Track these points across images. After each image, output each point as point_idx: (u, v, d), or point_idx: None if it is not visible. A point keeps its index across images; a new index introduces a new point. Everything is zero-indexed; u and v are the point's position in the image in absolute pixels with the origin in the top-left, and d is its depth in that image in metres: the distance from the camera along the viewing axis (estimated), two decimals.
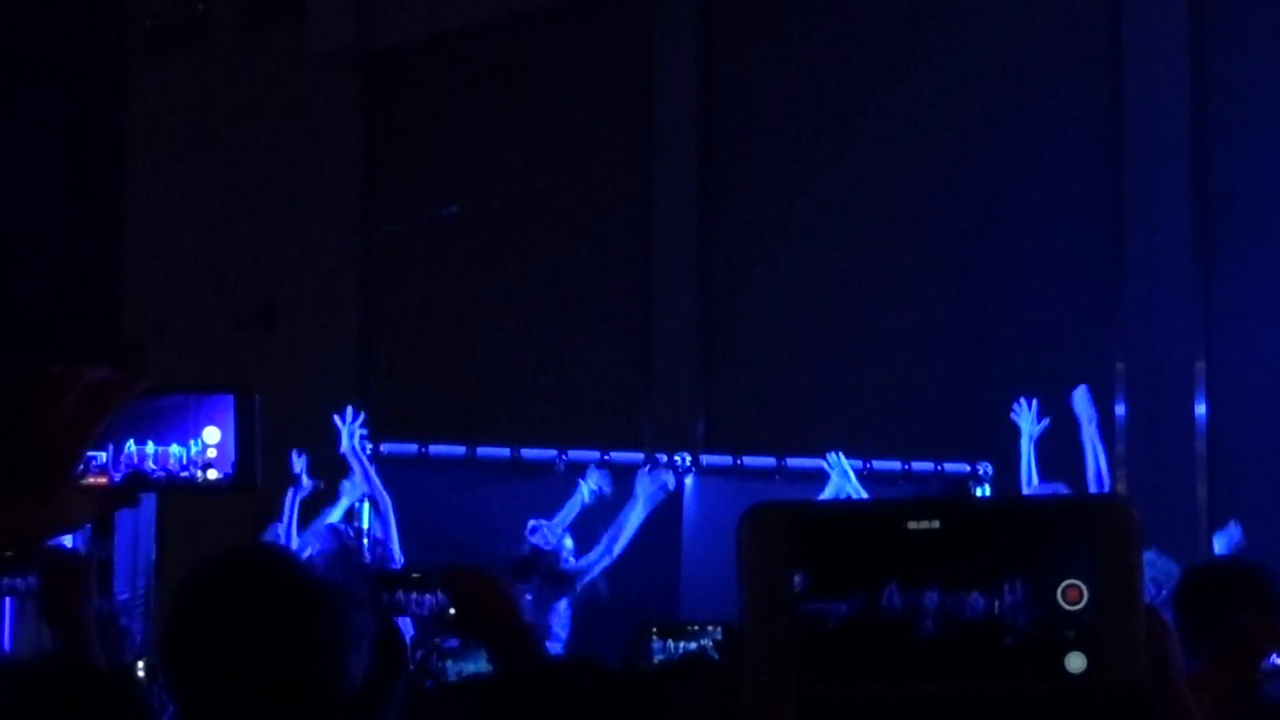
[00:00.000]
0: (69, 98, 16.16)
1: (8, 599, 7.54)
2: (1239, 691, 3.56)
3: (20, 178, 14.96)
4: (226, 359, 14.66)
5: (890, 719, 0.99)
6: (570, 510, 8.92)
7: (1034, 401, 9.00)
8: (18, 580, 6.46)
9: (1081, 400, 8.83)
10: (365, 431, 8.89)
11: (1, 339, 13.35)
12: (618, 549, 8.81)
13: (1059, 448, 8.98)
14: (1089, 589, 0.95)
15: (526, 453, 9.66)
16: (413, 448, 9.61)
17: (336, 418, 8.83)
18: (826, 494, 9.30)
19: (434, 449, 10.01)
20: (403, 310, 14.79)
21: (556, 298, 13.78)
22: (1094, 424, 8.73)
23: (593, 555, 8.77)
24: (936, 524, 0.97)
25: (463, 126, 14.52)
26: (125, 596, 9.82)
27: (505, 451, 9.70)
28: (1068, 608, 0.95)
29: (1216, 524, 11.16)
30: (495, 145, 14.31)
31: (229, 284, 15.33)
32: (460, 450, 10.17)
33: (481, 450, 10.08)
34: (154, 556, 10.12)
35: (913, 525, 0.98)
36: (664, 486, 9.15)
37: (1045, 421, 8.93)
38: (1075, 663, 0.95)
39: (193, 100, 15.92)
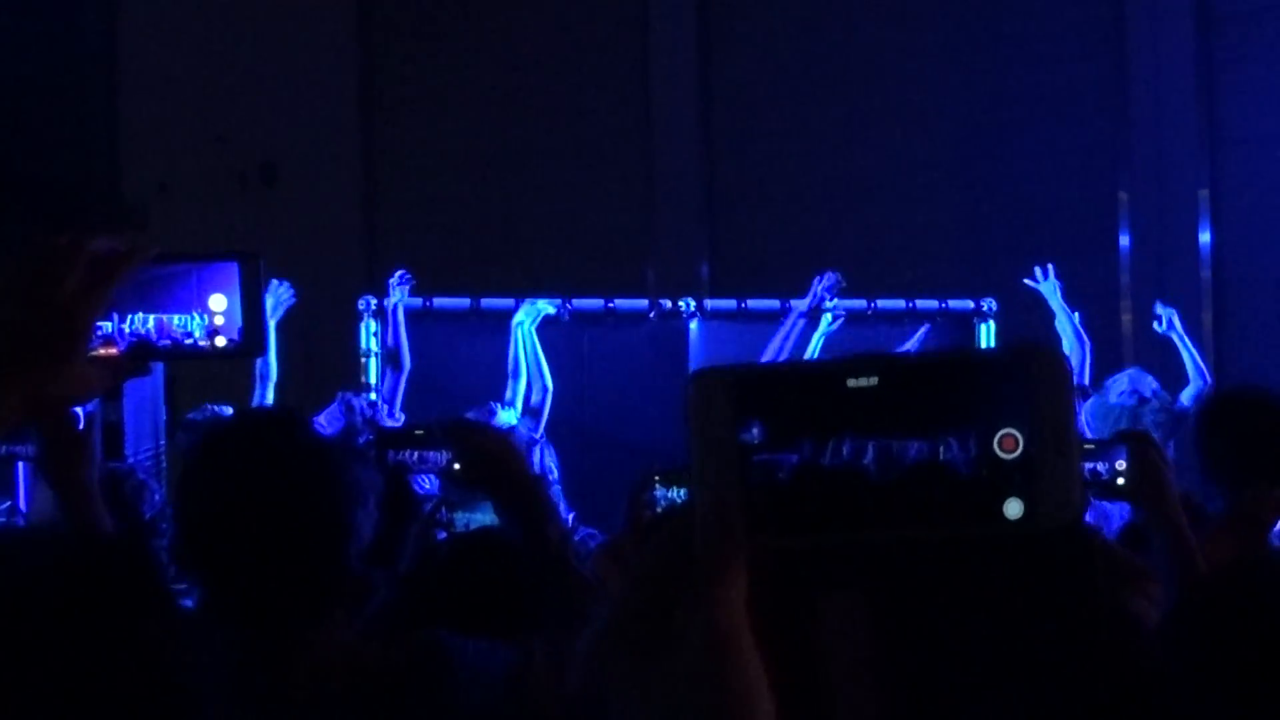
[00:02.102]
0: None
1: (21, 465, 7.57)
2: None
3: (15, 42, 14.84)
4: (229, 218, 14.62)
5: (837, 567, 1.03)
6: (529, 353, 8.96)
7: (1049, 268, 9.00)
8: (29, 446, 6.48)
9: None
10: (408, 288, 9.11)
11: (2, 205, 13.31)
12: (549, 381, 8.88)
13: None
14: (1024, 436, 0.98)
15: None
16: (417, 301, 9.60)
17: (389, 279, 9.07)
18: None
19: (438, 301, 10.03)
20: (405, 163, 14.74)
21: (558, 145, 13.72)
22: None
23: (535, 396, 8.82)
24: (875, 380, 1.00)
25: None
26: (145, 456, 9.89)
27: (510, 302, 9.68)
28: (1004, 456, 0.98)
29: (1223, 351, 11.21)
30: None
31: (229, 142, 15.25)
32: (465, 302, 10.19)
33: (485, 301, 10.10)
34: (164, 417, 10.17)
35: (851, 383, 1.00)
36: (541, 314, 9.24)
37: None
38: (1013, 509, 0.98)
39: None
